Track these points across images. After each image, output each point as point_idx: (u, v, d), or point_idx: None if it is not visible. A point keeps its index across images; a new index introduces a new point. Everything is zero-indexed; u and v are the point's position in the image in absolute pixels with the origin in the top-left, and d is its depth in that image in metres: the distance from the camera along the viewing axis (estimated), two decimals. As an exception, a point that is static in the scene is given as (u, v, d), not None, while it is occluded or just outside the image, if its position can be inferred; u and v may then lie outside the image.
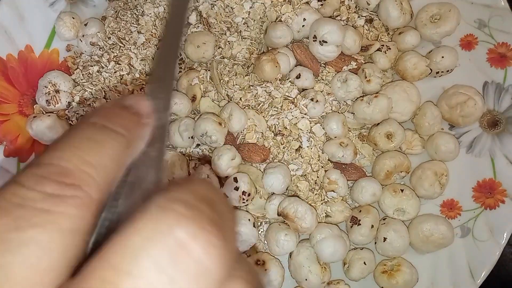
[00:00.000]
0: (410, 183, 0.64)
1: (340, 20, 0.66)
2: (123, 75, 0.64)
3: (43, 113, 0.65)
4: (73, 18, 0.67)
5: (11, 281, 0.18)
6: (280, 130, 0.62)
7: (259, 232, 0.63)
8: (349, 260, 0.62)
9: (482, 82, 0.65)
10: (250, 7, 0.64)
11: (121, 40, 0.64)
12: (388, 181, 0.63)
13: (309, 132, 0.62)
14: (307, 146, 0.62)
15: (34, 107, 0.66)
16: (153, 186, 0.27)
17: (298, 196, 0.61)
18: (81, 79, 0.66)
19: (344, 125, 0.62)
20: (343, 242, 0.60)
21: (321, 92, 0.63)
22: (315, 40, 0.61)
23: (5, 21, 0.65)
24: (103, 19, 0.67)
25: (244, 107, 0.62)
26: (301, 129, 0.62)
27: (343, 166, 0.63)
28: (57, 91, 0.64)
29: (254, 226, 0.61)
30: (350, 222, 0.62)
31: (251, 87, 0.62)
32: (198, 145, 0.64)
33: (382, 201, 0.63)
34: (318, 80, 0.64)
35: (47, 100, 0.64)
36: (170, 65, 0.35)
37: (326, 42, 0.60)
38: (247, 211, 0.62)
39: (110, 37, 0.65)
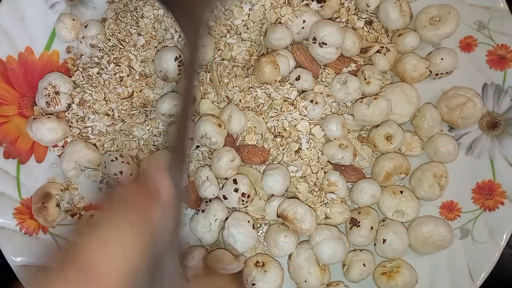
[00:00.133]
0: (409, 185, 0.64)
1: (340, 22, 0.66)
2: (123, 76, 0.64)
3: (43, 114, 0.65)
4: (73, 20, 0.67)
5: None
6: (279, 132, 0.62)
7: (259, 234, 0.63)
8: (348, 262, 0.62)
9: (481, 83, 0.65)
10: (250, 9, 0.64)
11: (121, 42, 0.64)
12: (388, 183, 0.63)
13: (308, 134, 0.62)
14: (307, 148, 0.62)
15: (34, 108, 0.66)
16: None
17: (297, 198, 0.61)
18: (81, 81, 0.66)
19: (343, 127, 0.62)
20: (342, 243, 0.60)
21: (321, 94, 0.63)
22: (315, 42, 0.61)
23: (5, 23, 0.65)
24: (103, 21, 0.68)
25: (244, 109, 0.62)
26: (300, 131, 0.62)
27: (343, 167, 0.63)
28: (57, 93, 0.64)
29: (253, 227, 0.61)
30: (350, 223, 0.62)
31: (250, 89, 0.63)
32: (197, 146, 0.64)
33: (381, 202, 0.63)
34: (318, 82, 0.65)
35: (47, 102, 0.64)
36: (183, 142, 0.42)
37: (325, 44, 0.61)
38: (247, 213, 0.62)
39: (110, 39, 0.65)
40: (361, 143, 0.65)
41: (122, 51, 0.65)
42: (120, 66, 0.64)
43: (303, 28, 0.62)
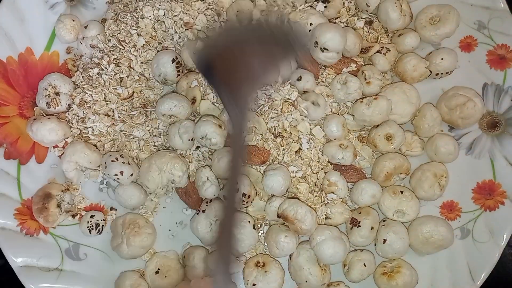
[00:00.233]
0: (409, 185, 0.64)
1: (340, 22, 0.66)
2: (123, 77, 0.64)
3: (43, 115, 0.65)
4: (73, 20, 0.67)
5: None
6: (280, 132, 0.62)
7: (259, 234, 0.63)
8: (349, 262, 0.62)
9: (481, 83, 0.65)
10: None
11: (121, 43, 0.64)
12: (388, 183, 0.63)
13: (308, 134, 0.62)
14: (307, 148, 0.62)
15: (35, 109, 0.66)
16: None
17: (298, 198, 0.61)
18: (81, 82, 0.66)
19: (344, 127, 0.62)
20: (343, 244, 0.60)
21: (322, 94, 0.63)
22: (317, 46, 0.61)
23: (6, 24, 0.65)
24: (103, 21, 0.68)
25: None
26: (301, 131, 0.62)
27: (343, 168, 0.63)
28: (57, 94, 0.64)
29: (254, 228, 0.61)
30: (350, 223, 0.62)
31: None
32: (198, 147, 0.64)
33: (381, 202, 0.63)
34: (318, 82, 0.64)
35: (47, 103, 0.64)
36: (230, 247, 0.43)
37: (327, 49, 0.61)
38: (247, 213, 0.62)
39: (110, 40, 0.65)
40: (362, 143, 0.65)
41: (122, 52, 0.64)
42: (120, 66, 0.64)
43: (310, 30, 0.62)
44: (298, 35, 0.55)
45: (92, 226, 0.63)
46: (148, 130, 0.64)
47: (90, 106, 0.64)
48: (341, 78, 0.63)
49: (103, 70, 0.65)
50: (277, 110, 0.62)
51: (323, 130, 0.63)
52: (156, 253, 0.64)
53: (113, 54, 0.65)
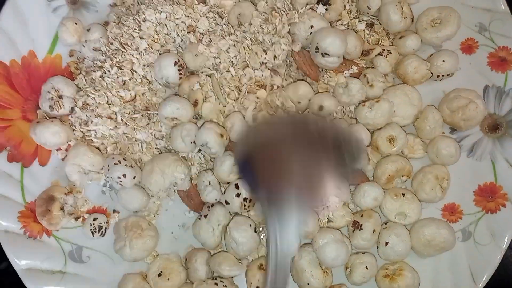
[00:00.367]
0: (411, 187, 0.65)
1: (341, 24, 0.66)
2: (125, 80, 0.65)
3: (46, 118, 0.65)
4: (76, 23, 0.67)
5: None
6: None
7: (261, 237, 0.63)
8: (351, 265, 0.62)
9: (482, 85, 0.65)
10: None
11: (124, 46, 0.65)
12: (390, 185, 0.64)
13: None
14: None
15: (38, 112, 0.66)
16: None
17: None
18: (84, 85, 0.66)
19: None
20: (345, 246, 0.60)
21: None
22: (317, 51, 0.61)
23: (8, 27, 0.65)
24: (105, 24, 0.68)
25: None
26: None
27: (345, 170, 0.63)
28: (60, 97, 0.65)
29: (255, 231, 0.61)
30: (352, 226, 0.62)
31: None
32: (200, 149, 0.64)
33: (383, 205, 0.63)
34: (318, 85, 0.65)
35: (50, 106, 0.64)
36: None
37: (328, 54, 0.61)
38: (249, 217, 0.62)
39: (112, 43, 0.65)
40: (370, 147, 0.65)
41: (124, 55, 0.65)
42: (122, 69, 0.64)
43: (311, 33, 0.62)
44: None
45: (95, 228, 0.63)
46: (151, 133, 0.64)
47: (93, 109, 0.64)
48: (342, 82, 0.63)
49: (105, 73, 0.65)
50: None
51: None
52: (159, 256, 0.64)
53: (115, 57, 0.65)
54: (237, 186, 0.60)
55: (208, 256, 0.62)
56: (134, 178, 0.62)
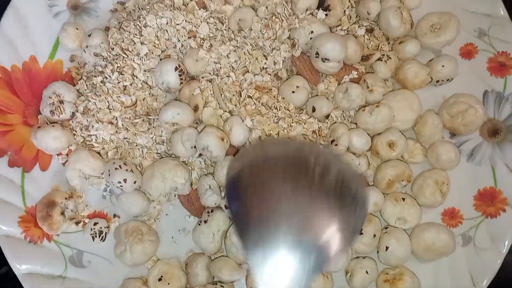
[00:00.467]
0: (411, 192, 0.65)
1: (341, 30, 0.66)
2: (126, 85, 0.65)
3: (47, 123, 0.65)
4: (77, 29, 0.67)
5: None
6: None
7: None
8: (351, 269, 0.62)
9: (482, 90, 0.66)
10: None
11: (125, 51, 0.65)
12: (390, 190, 0.64)
13: None
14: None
15: (39, 117, 0.66)
16: None
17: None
18: (85, 90, 0.66)
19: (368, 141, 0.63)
20: (345, 251, 0.60)
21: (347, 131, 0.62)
22: (317, 57, 0.61)
23: (10, 32, 0.66)
24: (106, 30, 0.68)
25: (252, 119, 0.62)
26: None
27: (345, 175, 0.64)
28: (61, 102, 0.65)
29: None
30: (352, 231, 0.62)
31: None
32: (200, 154, 0.64)
33: (383, 210, 0.63)
34: (318, 90, 0.65)
35: (51, 111, 0.64)
36: None
37: (328, 59, 0.61)
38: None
39: (113, 48, 0.65)
40: (370, 152, 0.65)
41: (125, 60, 0.65)
42: (123, 74, 0.65)
43: (311, 39, 0.63)
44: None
45: (96, 233, 0.64)
46: (151, 138, 0.65)
47: (93, 114, 0.64)
48: (342, 87, 0.63)
49: (106, 78, 0.65)
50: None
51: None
52: (159, 260, 0.64)
53: (116, 63, 0.65)
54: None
55: (208, 261, 0.62)
56: (134, 182, 0.62)
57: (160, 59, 0.65)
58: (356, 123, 0.64)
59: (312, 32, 0.62)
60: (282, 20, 0.64)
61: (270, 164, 0.46)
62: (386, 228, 0.63)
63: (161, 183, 0.61)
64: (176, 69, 0.62)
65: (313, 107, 0.62)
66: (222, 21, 0.65)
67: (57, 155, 0.66)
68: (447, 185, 0.63)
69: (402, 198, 0.63)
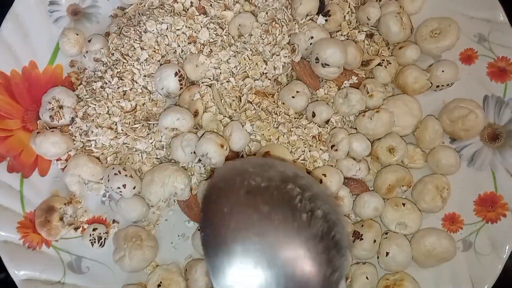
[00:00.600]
0: (411, 197, 0.64)
1: (341, 35, 0.66)
2: (126, 90, 0.65)
3: (46, 128, 0.65)
4: (77, 34, 0.67)
5: None
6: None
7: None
8: (351, 275, 0.62)
9: (482, 95, 0.66)
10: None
11: (124, 56, 0.65)
12: (390, 195, 0.64)
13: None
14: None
15: (38, 122, 0.66)
16: None
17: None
18: (85, 95, 0.66)
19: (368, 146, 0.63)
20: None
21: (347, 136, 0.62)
22: (318, 62, 0.61)
23: (10, 38, 0.66)
24: (106, 35, 0.68)
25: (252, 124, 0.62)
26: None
27: (346, 180, 0.63)
28: (61, 107, 0.65)
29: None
30: (352, 236, 0.62)
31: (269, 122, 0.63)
32: (200, 160, 0.64)
33: (384, 215, 0.63)
34: (318, 95, 0.65)
35: (50, 116, 0.64)
36: None
37: (328, 65, 0.61)
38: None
39: (113, 53, 0.65)
40: (370, 157, 0.65)
41: (125, 65, 0.65)
42: (123, 80, 0.65)
43: (311, 44, 0.63)
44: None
45: (95, 239, 0.63)
46: (151, 143, 0.64)
47: (93, 119, 0.64)
48: (342, 92, 0.63)
49: (106, 83, 0.65)
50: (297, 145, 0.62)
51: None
52: (158, 266, 0.64)
53: (116, 68, 0.65)
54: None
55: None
56: (134, 188, 0.61)
57: (160, 65, 0.65)
58: (356, 128, 0.64)
59: (312, 37, 0.63)
60: (282, 26, 0.64)
61: (244, 191, 0.45)
62: (386, 233, 0.63)
63: (161, 188, 0.61)
64: (176, 74, 0.62)
65: (313, 112, 0.62)
66: (222, 26, 0.66)
67: (56, 160, 0.66)
68: (448, 190, 0.63)
69: (402, 203, 0.63)
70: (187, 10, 0.66)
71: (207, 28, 0.65)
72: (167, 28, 0.64)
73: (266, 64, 0.64)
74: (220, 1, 0.66)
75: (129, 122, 0.64)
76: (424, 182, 0.64)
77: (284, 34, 0.64)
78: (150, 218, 0.65)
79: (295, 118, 0.63)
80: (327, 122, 0.63)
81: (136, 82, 0.65)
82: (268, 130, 0.62)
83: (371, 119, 0.62)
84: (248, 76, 0.64)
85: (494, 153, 0.65)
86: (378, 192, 0.63)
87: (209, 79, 0.64)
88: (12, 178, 0.64)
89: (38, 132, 0.64)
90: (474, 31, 0.66)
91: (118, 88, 0.65)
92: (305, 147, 0.62)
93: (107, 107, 0.64)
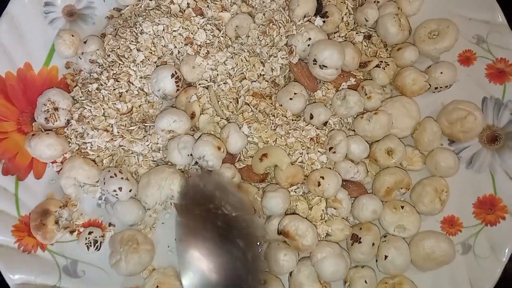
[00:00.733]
0: (410, 200, 0.64)
1: (339, 36, 0.66)
2: (122, 92, 0.64)
3: (42, 131, 0.64)
4: (73, 35, 0.67)
5: None
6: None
7: (259, 251, 0.62)
8: (350, 279, 0.61)
9: (481, 97, 0.65)
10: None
11: (121, 58, 0.64)
12: (389, 198, 0.63)
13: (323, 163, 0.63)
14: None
15: (33, 124, 0.65)
16: None
17: (297, 214, 0.61)
18: (80, 97, 0.65)
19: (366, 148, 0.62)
20: (344, 260, 0.59)
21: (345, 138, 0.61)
22: (315, 64, 0.61)
23: (4, 39, 0.65)
24: (102, 36, 0.68)
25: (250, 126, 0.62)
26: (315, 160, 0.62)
27: (344, 182, 0.63)
28: (56, 109, 0.64)
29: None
30: (351, 240, 0.62)
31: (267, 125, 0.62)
32: (196, 162, 0.63)
33: (382, 218, 0.63)
34: (316, 97, 0.64)
35: (45, 118, 0.64)
36: None
37: (326, 66, 0.61)
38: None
39: (109, 55, 0.65)
40: (368, 159, 0.65)
41: (121, 67, 0.64)
42: (119, 81, 0.64)
43: (309, 45, 0.62)
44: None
45: (90, 242, 0.63)
46: (147, 145, 0.64)
47: (89, 122, 0.64)
48: (340, 94, 0.63)
49: (102, 85, 0.65)
50: (294, 147, 0.62)
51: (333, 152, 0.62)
52: (155, 270, 0.63)
53: (112, 69, 0.64)
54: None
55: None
56: (130, 191, 0.61)
57: (157, 66, 0.64)
58: (354, 130, 0.64)
59: (309, 39, 0.62)
60: (280, 27, 0.64)
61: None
62: (385, 236, 0.63)
63: (157, 191, 0.61)
64: (172, 76, 0.62)
65: (311, 114, 0.62)
66: (219, 27, 0.65)
67: (52, 163, 0.65)
68: (446, 193, 0.63)
69: (401, 206, 0.62)
70: (184, 11, 0.65)
71: (204, 29, 0.64)
72: (163, 30, 0.64)
73: (264, 66, 0.64)
74: (217, 2, 0.65)
75: (125, 124, 0.64)
76: (422, 184, 0.63)
77: (281, 36, 0.64)
78: (146, 221, 0.64)
79: (292, 120, 0.63)
80: (325, 124, 0.63)
81: (132, 84, 0.64)
82: (266, 132, 0.62)
83: (369, 121, 0.62)
84: (245, 78, 0.63)
85: (493, 155, 0.64)
86: (377, 194, 0.63)
87: (206, 80, 0.64)
88: (7, 181, 0.64)
89: (33, 134, 0.63)
90: (472, 32, 0.66)
91: (114, 89, 0.64)
92: (303, 149, 0.62)
93: (103, 109, 0.64)
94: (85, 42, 0.66)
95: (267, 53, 0.64)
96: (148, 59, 0.64)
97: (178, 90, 0.63)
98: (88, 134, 0.64)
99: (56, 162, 0.65)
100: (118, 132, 0.63)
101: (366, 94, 0.63)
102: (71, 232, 0.64)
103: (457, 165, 0.63)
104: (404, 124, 0.64)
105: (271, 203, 0.59)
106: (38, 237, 0.62)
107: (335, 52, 0.60)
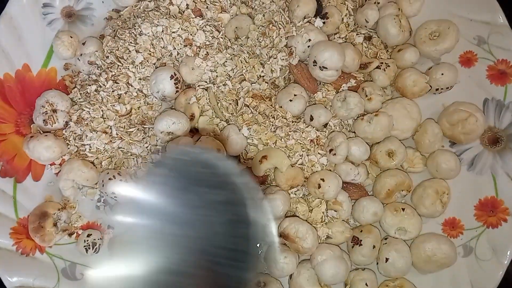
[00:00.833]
0: (411, 202, 0.64)
1: (339, 38, 0.65)
2: (121, 94, 0.64)
3: (40, 132, 0.64)
4: (71, 37, 0.66)
5: None
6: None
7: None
8: (350, 281, 0.61)
9: (482, 99, 0.65)
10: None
11: (119, 59, 0.64)
12: (389, 200, 0.63)
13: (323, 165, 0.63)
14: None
15: (31, 126, 0.65)
16: None
17: (298, 216, 0.60)
18: (79, 98, 0.65)
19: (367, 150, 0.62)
20: (344, 263, 0.59)
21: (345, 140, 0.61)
22: (315, 65, 0.61)
23: (3, 40, 0.65)
24: (101, 38, 0.67)
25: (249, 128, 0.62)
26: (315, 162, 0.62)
27: (344, 185, 0.62)
28: (55, 111, 0.64)
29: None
30: (351, 242, 0.61)
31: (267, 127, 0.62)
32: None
33: (383, 220, 0.62)
34: (316, 99, 0.64)
35: (44, 120, 0.63)
36: None
37: (326, 68, 0.60)
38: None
39: (108, 56, 0.65)
40: (369, 161, 0.65)
41: (120, 68, 0.64)
42: (118, 83, 0.64)
43: (308, 47, 0.62)
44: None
45: (89, 245, 0.62)
46: (146, 147, 0.64)
47: (87, 123, 0.63)
48: (340, 95, 0.63)
49: (101, 86, 0.64)
50: (294, 149, 0.62)
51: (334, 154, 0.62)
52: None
53: (111, 71, 0.64)
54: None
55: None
56: (129, 193, 0.61)
57: (156, 67, 0.64)
58: (354, 132, 0.64)
59: (309, 40, 0.62)
60: (279, 28, 0.63)
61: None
62: (385, 238, 0.62)
63: (156, 193, 0.60)
64: (171, 77, 0.61)
65: (311, 115, 0.62)
66: (219, 29, 0.65)
67: (50, 165, 0.65)
68: (448, 195, 0.62)
69: (402, 208, 0.62)
70: (183, 12, 0.65)
71: (203, 30, 0.64)
72: (162, 31, 0.64)
73: (263, 67, 0.63)
74: (216, 3, 0.65)
75: (124, 126, 0.64)
76: (423, 186, 0.63)
77: (281, 37, 0.63)
78: (145, 223, 0.64)
79: (292, 122, 0.63)
80: (325, 125, 0.63)
81: (131, 85, 0.64)
82: (266, 134, 0.61)
83: (369, 122, 0.62)
84: (245, 79, 0.63)
85: (494, 157, 0.64)
86: (377, 196, 0.63)
87: (206, 82, 0.63)
88: (5, 183, 0.63)
89: (31, 136, 0.63)
90: (473, 33, 0.66)
91: (113, 91, 0.64)
92: (303, 151, 0.62)
93: (102, 110, 0.64)
94: (83, 44, 0.66)
95: (266, 55, 0.63)
96: (147, 61, 0.64)
97: (177, 91, 0.62)
98: (86, 136, 0.63)
99: (55, 164, 0.65)
100: (117, 134, 0.63)
101: (366, 96, 0.63)
102: (70, 234, 0.64)
103: (458, 167, 0.63)
104: (404, 125, 0.64)
105: (271, 205, 0.58)
106: (37, 239, 0.62)
107: (335, 53, 0.59)
